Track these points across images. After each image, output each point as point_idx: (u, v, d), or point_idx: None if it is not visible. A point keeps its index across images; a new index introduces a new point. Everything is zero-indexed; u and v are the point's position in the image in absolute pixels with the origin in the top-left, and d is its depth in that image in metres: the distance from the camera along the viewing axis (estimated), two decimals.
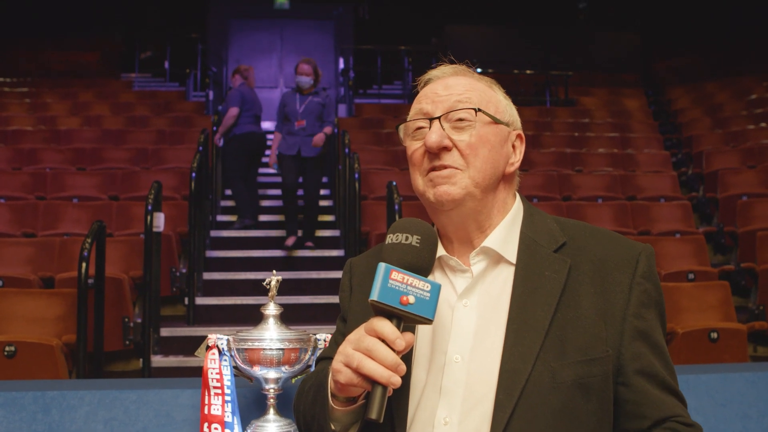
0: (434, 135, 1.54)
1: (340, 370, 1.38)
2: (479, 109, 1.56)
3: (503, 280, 1.55)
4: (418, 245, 1.41)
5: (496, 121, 1.59)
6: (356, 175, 7.59)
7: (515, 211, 1.63)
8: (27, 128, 11.39)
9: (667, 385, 1.51)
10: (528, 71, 15.79)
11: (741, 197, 9.11)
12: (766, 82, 14.00)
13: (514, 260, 1.56)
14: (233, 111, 8.95)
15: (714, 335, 5.58)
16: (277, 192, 10.58)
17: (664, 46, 17.39)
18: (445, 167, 1.54)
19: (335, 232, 8.95)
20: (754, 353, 6.51)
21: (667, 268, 7.15)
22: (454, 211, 1.56)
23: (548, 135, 11.93)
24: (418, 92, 1.67)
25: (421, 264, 1.41)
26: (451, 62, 1.69)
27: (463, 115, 1.56)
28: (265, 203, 9.88)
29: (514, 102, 1.72)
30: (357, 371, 1.35)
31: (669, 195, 9.69)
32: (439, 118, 1.56)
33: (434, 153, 1.55)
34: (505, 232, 1.59)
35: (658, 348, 1.52)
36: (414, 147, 1.60)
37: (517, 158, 1.64)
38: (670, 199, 9.47)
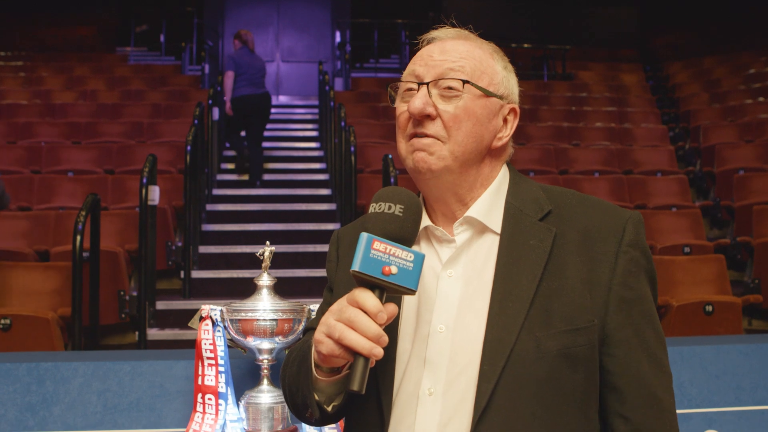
0: (418, 101, 1.50)
1: (322, 341, 1.37)
2: (467, 81, 1.52)
3: (488, 249, 1.53)
4: (400, 214, 1.39)
5: (487, 94, 1.54)
6: (352, 149, 7.57)
7: (500, 180, 1.59)
8: (22, 102, 11.34)
9: (651, 354, 1.49)
10: (526, 45, 15.71)
11: (738, 171, 9.12)
12: (765, 57, 13.95)
13: (498, 230, 1.53)
14: (230, 75, 9.51)
15: (709, 308, 5.60)
16: (280, 166, 10.60)
17: (662, 21, 17.30)
18: (427, 135, 1.51)
19: (331, 206, 8.95)
20: (748, 326, 6.55)
21: (663, 242, 7.16)
22: (431, 181, 1.53)
23: (545, 109, 11.90)
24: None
25: (404, 234, 1.39)
26: (453, 26, 1.63)
27: (452, 84, 1.51)
28: (265, 177, 9.88)
29: None
30: (338, 342, 1.33)
31: (666, 169, 9.69)
32: (428, 84, 1.52)
33: (417, 120, 1.52)
34: (489, 202, 1.56)
35: (647, 317, 1.50)
36: (402, 109, 1.56)
37: (506, 133, 1.59)
38: (667, 173, 9.47)
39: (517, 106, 1.62)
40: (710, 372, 2.54)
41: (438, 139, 1.51)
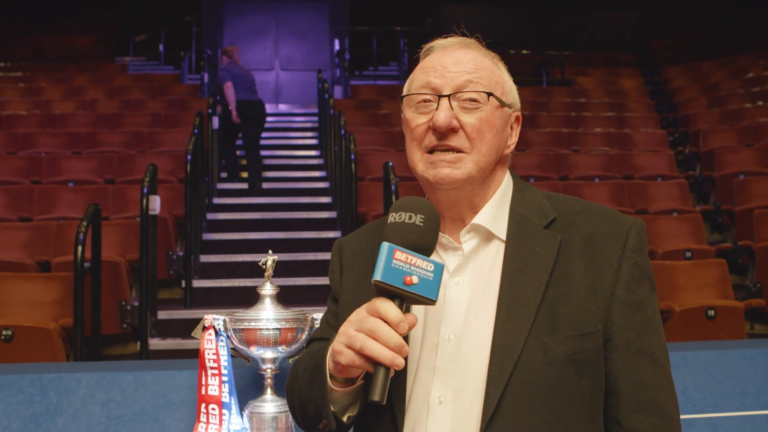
0: (443, 114, 1.49)
1: (341, 351, 1.36)
2: (491, 93, 1.52)
3: (494, 257, 1.53)
4: (421, 224, 1.38)
5: (503, 105, 1.55)
6: (352, 157, 7.57)
7: (504, 188, 1.60)
8: (22, 113, 11.36)
9: (653, 359, 1.49)
10: (524, 51, 15.73)
11: (738, 176, 9.12)
12: (763, 61, 13.96)
13: (504, 237, 1.54)
14: (229, 85, 9.88)
15: (711, 313, 5.59)
16: (280, 174, 10.62)
17: (660, 26, 17.31)
18: (450, 148, 1.51)
19: (332, 214, 8.94)
20: (750, 330, 6.53)
21: (664, 247, 7.15)
22: (452, 192, 1.53)
23: (545, 115, 11.91)
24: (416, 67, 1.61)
25: (425, 243, 1.38)
26: (458, 35, 1.63)
27: (474, 96, 1.52)
28: (265, 185, 9.88)
29: None
30: (360, 352, 1.33)
31: (666, 174, 9.69)
32: (448, 96, 1.52)
33: (441, 132, 1.50)
34: (494, 209, 1.56)
35: (649, 321, 1.50)
36: (418, 121, 1.54)
37: (513, 140, 1.61)
38: (667, 178, 9.48)
39: (520, 114, 1.64)
40: (714, 377, 2.53)
41: (462, 152, 1.51)
